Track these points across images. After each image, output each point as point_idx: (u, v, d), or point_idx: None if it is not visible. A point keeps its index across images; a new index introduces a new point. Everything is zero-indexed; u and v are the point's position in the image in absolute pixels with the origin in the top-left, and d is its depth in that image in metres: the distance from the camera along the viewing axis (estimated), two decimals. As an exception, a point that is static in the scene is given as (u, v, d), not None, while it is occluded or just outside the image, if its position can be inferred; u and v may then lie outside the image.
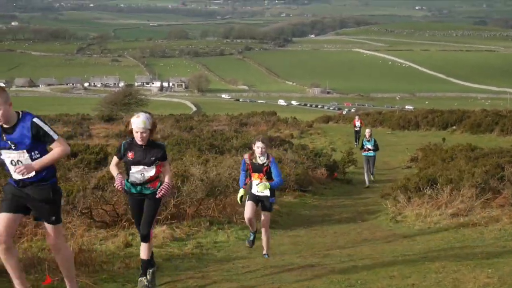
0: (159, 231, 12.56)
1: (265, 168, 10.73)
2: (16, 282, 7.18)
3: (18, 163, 7.00)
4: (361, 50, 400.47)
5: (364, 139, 26.29)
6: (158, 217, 13.40)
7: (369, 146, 25.80)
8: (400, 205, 15.66)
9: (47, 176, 7.20)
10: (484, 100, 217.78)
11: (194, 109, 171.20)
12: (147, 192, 8.57)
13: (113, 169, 8.75)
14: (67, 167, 18.73)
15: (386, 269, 9.19)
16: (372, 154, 25.81)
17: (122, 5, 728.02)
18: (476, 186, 14.46)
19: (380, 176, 27.17)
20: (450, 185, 14.83)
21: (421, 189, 15.59)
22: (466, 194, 14.12)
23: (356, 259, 10.38)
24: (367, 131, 26.67)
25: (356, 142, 38.96)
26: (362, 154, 26.17)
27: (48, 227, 7.25)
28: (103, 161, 21.88)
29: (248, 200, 10.97)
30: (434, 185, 15.35)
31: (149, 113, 8.43)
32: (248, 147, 28.95)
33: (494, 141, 35.26)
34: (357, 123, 39.55)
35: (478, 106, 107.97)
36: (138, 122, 8.29)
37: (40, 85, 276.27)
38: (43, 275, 8.67)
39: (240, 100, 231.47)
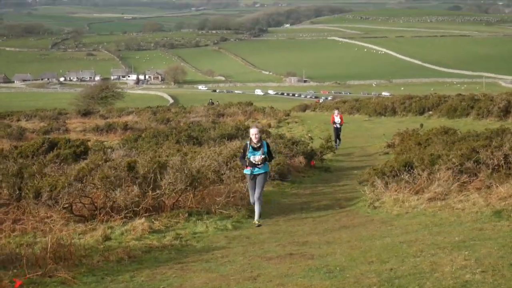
0: (138, 224, 12.54)
1: None
2: None
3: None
4: (336, 38, 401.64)
5: (250, 144, 14.62)
6: (136, 208, 13.41)
7: (257, 158, 14.48)
8: (377, 191, 15.70)
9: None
10: (460, 85, 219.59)
11: (171, 101, 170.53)
12: None
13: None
14: (44, 163, 18.59)
15: (365, 254, 9.24)
16: (261, 171, 14.67)
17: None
18: (452, 168, 14.55)
19: (358, 162, 27.23)
20: (427, 170, 14.91)
21: (398, 174, 15.65)
22: (443, 177, 14.19)
23: (335, 245, 10.43)
24: (253, 130, 14.78)
25: (335, 143, 31.85)
26: (244, 172, 15.00)
27: None
28: (83, 155, 21.98)
29: None
30: (411, 170, 15.43)
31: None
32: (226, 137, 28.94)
33: (470, 125, 35.45)
34: (337, 119, 33.35)
35: (454, 91, 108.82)
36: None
37: (15, 81, 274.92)
38: (21, 270, 8.65)
39: (217, 91, 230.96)
